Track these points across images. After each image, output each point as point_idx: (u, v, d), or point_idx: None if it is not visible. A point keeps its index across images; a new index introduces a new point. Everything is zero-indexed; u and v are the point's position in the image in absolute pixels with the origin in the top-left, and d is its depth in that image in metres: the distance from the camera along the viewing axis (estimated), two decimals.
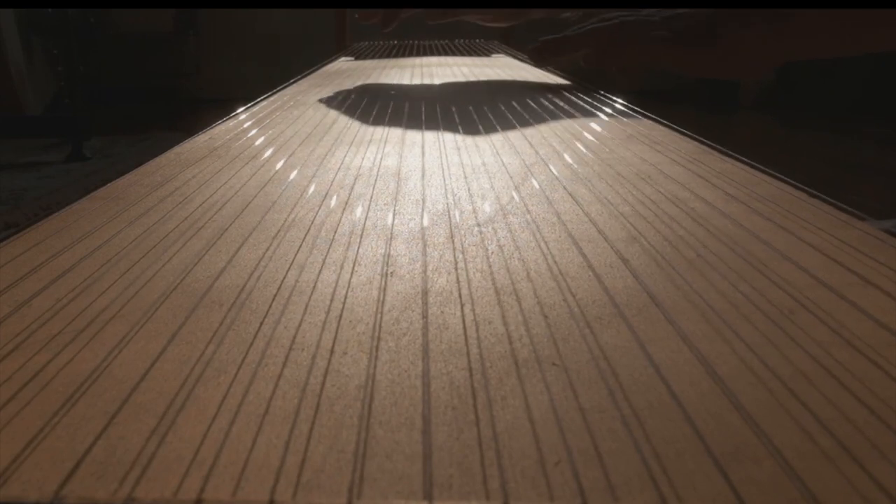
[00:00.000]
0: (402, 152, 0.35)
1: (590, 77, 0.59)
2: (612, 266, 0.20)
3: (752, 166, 0.31)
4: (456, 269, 0.20)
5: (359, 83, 0.66)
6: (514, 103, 0.50)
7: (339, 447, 0.12)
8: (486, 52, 1.01)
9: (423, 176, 0.30)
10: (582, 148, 0.35)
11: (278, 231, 0.23)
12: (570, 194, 0.27)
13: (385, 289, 0.19)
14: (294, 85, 0.66)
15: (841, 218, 0.24)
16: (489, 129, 0.41)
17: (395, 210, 0.26)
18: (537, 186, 0.28)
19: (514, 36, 1.48)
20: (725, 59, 0.50)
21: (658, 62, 0.53)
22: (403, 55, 0.97)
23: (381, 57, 0.95)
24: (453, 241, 0.22)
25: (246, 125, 0.44)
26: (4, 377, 0.14)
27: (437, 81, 0.66)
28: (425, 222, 0.24)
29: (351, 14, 1.66)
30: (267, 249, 0.22)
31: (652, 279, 0.19)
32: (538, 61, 0.64)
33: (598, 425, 0.12)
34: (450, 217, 0.25)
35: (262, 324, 0.17)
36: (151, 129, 2.38)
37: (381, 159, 0.34)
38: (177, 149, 0.37)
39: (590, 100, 0.50)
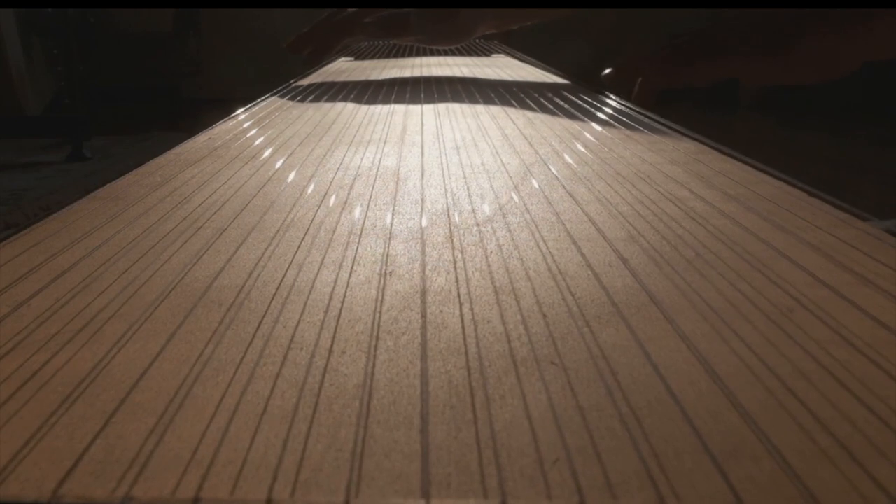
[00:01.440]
0: (402, 152, 0.35)
1: (590, 77, 0.59)
2: (611, 265, 0.20)
3: (752, 166, 0.31)
4: (455, 268, 0.20)
5: (359, 83, 0.66)
6: (514, 103, 0.50)
7: (337, 446, 0.12)
8: (486, 52, 1.01)
9: (422, 176, 0.30)
10: (581, 148, 0.35)
11: (277, 231, 0.23)
12: (570, 194, 0.27)
13: (384, 288, 0.19)
14: (294, 85, 0.66)
15: (841, 217, 0.24)
16: (488, 129, 0.41)
17: (394, 210, 0.26)
18: (536, 186, 0.28)
19: (514, 36, 1.47)
20: (800, 66, 0.47)
21: (731, 75, 0.50)
22: (403, 55, 0.97)
23: (381, 57, 0.95)
24: (452, 241, 0.22)
25: (246, 125, 0.44)
26: (3, 376, 0.14)
27: (436, 81, 0.66)
28: (424, 222, 0.24)
29: None
30: (266, 249, 0.22)
31: (651, 278, 0.19)
32: (614, 85, 0.60)
33: (597, 424, 0.12)
34: (449, 217, 0.25)
35: (260, 323, 0.17)
36: (151, 129, 2.38)
37: (381, 159, 0.34)
38: (177, 149, 0.37)
39: (590, 100, 0.50)
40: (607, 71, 0.53)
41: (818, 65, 0.47)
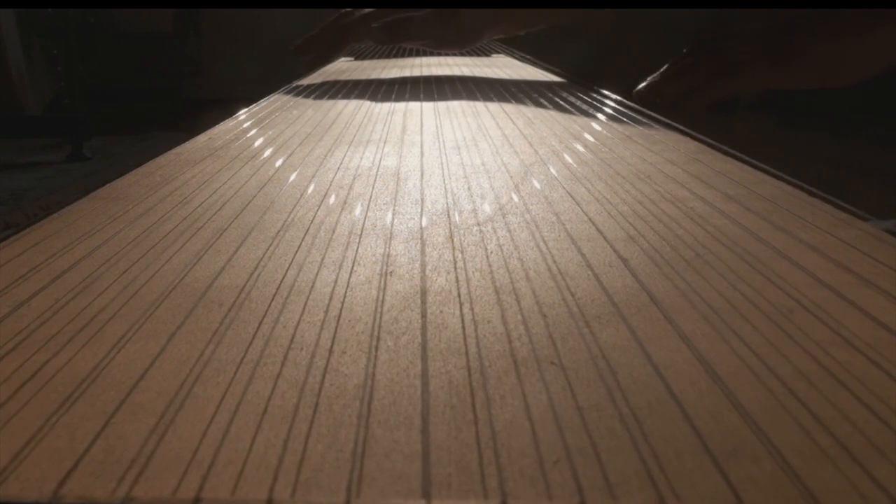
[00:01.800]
0: (402, 152, 0.35)
1: (590, 77, 0.59)
2: (611, 265, 0.20)
3: (752, 166, 0.31)
4: (455, 268, 0.20)
5: (359, 83, 0.66)
6: (514, 103, 0.50)
7: (337, 446, 0.12)
8: (486, 52, 1.01)
9: (422, 176, 0.30)
10: (581, 148, 0.35)
11: (277, 231, 0.23)
12: (570, 194, 0.27)
13: (384, 288, 0.19)
14: (294, 85, 0.66)
15: (841, 217, 0.24)
16: (489, 129, 0.41)
17: (394, 210, 0.26)
18: (536, 186, 0.28)
19: (514, 36, 1.47)
20: (802, 73, 0.45)
21: (741, 89, 0.49)
22: (403, 55, 0.97)
23: (381, 57, 0.95)
24: (452, 241, 0.22)
25: (246, 125, 0.44)
26: (4, 377, 0.14)
27: (436, 81, 0.66)
28: (424, 222, 0.24)
29: None
30: (266, 249, 0.22)
31: (651, 279, 0.19)
32: (643, 102, 0.59)
33: (597, 424, 0.12)
34: (449, 217, 0.25)
35: (260, 323, 0.17)
36: (151, 129, 2.38)
37: (381, 159, 0.34)
38: (177, 149, 0.37)
39: (589, 100, 0.50)
40: (639, 87, 0.53)
41: (819, 71, 0.46)
